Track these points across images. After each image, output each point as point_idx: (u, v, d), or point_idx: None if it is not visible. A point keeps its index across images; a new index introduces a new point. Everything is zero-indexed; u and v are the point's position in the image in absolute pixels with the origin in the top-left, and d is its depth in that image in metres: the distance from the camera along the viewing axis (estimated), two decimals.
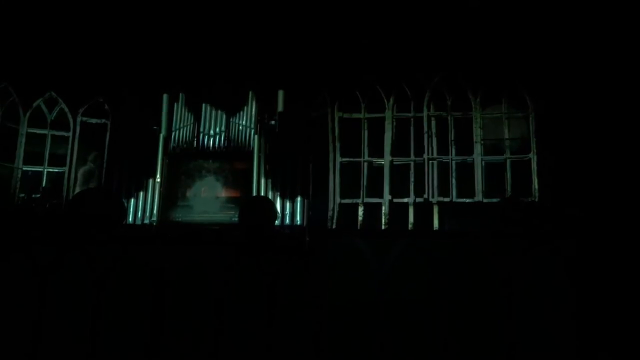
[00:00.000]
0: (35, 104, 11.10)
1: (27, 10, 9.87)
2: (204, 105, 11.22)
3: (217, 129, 11.15)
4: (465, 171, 10.32)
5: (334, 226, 10.33)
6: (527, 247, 3.01)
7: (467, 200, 10.12)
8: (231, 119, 11.18)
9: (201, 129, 11.21)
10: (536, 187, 9.81)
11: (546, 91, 9.75)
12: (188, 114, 11.31)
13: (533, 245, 3.02)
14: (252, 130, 11.08)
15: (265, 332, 2.76)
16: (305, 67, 10.75)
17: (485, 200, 10.01)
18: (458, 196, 10.21)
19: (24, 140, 11.00)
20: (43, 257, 2.65)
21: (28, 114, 11.03)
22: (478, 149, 10.29)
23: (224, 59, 11.03)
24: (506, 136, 10.32)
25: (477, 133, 10.34)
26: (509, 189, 10.04)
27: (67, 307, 2.54)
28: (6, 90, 10.74)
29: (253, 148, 10.97)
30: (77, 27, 10.38)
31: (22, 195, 10.68)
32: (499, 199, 9.69)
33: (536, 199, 9.68)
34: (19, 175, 10.87)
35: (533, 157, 10.00)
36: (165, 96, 11.28)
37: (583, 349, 2.83)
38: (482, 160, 10.26)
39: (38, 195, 10.54)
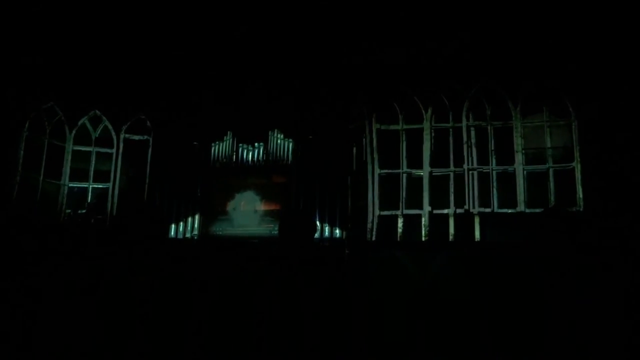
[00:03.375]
0: (80, 122, 11.43)
1: (71, 33, 10.19)
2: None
3: (256, 143, 11.27)
4: (507, 181, 10.14)
5: (373, 238, 10.27)
6: (572, 259, 2.93)
7: (509, 211, 9.93)
8: (269, 133, 11.30)
9: (240, 144, 11.35)
10: (580, 196, 9.56)
11: (589, 98, 9.51)
12: (227, 129, 11.49)
13: (579, 257, 2.94)
14: (291, 144, 11.16)
15: (307, 343, 2.75)
16: (342, 80, 10.79)
17: (527, 211, 9.81)
18: (499, 207, 10.04)
19: (69, 157, 11.32)
20: (90, 269, 2.72)
21: (74, 132, 11.36)
22: (519, 158, 10.11)
23: (260, 73, 11.16)
24: (548, 145, 10.10)
25: (518, 142, 10.16)
26: (552, 198, 9.82)
27: (113, 316, 2.60)
28: (53, 110, 11.09)
29: (291, 161, 11.05)
30: (120, 47, 10.66)
31: (69, 211, 10.97)
32: (541, 209, 9.47)
33: (581, 209, 9.43)
34: (65, 192, 11.19)
35: (577, 165, 9.76)
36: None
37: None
38: (523, 169, 10.07)
39: (83, 211, 10.81)
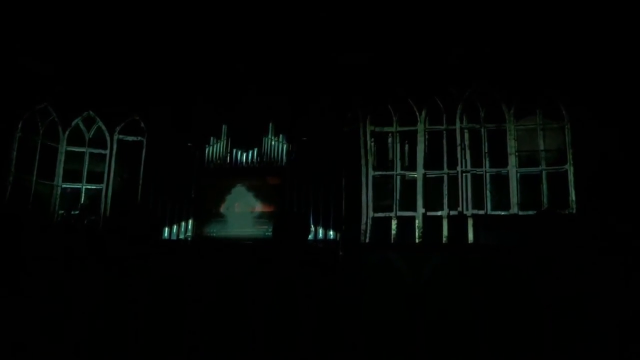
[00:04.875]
0: (74, 123, 11.40)
1: (65, 34, 10.16)
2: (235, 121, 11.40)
3: (250, 145, 11.28)
4: (500, 183, 10.18)
5: (367, 240, 10.28)
6: (566, 261, 2.94)
7: (502, 213, 9.96)
8: (264, 135, 11.29)
9: (234, 145, 11.35)
10: (573, 198, 9.61)
11: (582, 101, 9.55)
12: (221, 131, 11.50)
13: (572, 259, 2.95)
14: (285, 146, 11.16)
15: (300, 344, 2.75)
16: (337, 82, 10.79)
17: (520, 213, 9.84)
18: (493, 209, 10.07)
19: (63, 158, 11.28)
20: (83, 270, 2.71)
21: (67, 133, 11.33)
22: (512, 160, 10.15)
23: (255, 74, 11.15)
24: (541, 147, 10.14)
25: (512, 145, 10.20)
26: (545, 201, 9.86)
27: (107, 318, 2.59)
28: (46, 110, 11.05)
29: (286, 163, 11.05)
30: (114, 48, 10.63)
31: (62, 212, 10.93)
32: (535, 212, 9.51)
33: (574, 211, 9.47)
34: (59, 193, 11.14)
35: (569, 168, 9.81)
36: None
37: None
38: (516, 172, 10.11)
39: (77, 212, 10.77)
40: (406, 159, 10.75)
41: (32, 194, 10.70)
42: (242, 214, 11.04)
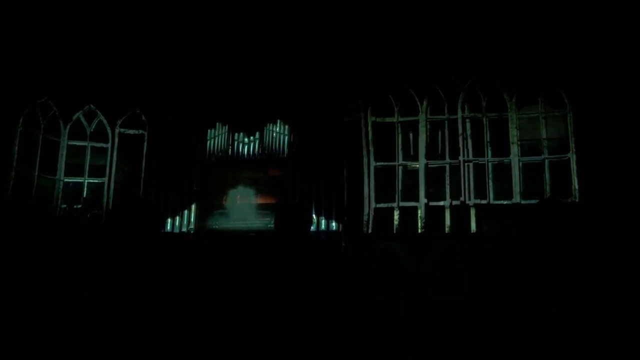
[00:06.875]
0: (75, 117, 11.39)
1: (65, 27, 10.14)
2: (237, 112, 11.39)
3: (252, 137, 11.27)
4: (502, 173, 10.16)
5: (369, 231, 10.28)
6: (568, 250, 2.93)
7: (505, 202, 9.94)
8: (265, 126, 11.29)
9: (235, 137, 11.34)
10: (576, 187, 9.58)
11: (584, 88, 9.51)
12: (222, 123, 11.50)
13: (574, 247, 2.94)
14: (286, 137, 11.15)
15: (303, 336, 2.76)
16: (338, 73, 10.76)
17: (523, 202, 9.82)
18: (495, 198, 10.05)
19: (64, 152, 11.29)
20: (86, 264, 2.71)
21: (68, 127, 11.32)
22: (515, 149, 10.12)
23: (256, 66, 11.12)
24: (544, 136, 10.10)
25: (514, 134, 10.17)
26: (547, 190, 9.83)
27: (109, 311, 2.59)
28: (47, 105, 11.04)
29: (287, 155, 11.04)
30: (114, 41, 10.61)
31: (64, 206, 10.95)
32: (537, 201, 9.49)
33: (576, 200, 9.45)
34: (61, 187, 11.16)
35: (572, 156, 9.77)
36: None
37: (630, 353, 2.74)
38: (519, 161, 10.08)
39: (79, 206, 10.79)
40: (408, 149, 10.73)
41: (34, 188, 10.71)
42: (244, 206, 11.05)
